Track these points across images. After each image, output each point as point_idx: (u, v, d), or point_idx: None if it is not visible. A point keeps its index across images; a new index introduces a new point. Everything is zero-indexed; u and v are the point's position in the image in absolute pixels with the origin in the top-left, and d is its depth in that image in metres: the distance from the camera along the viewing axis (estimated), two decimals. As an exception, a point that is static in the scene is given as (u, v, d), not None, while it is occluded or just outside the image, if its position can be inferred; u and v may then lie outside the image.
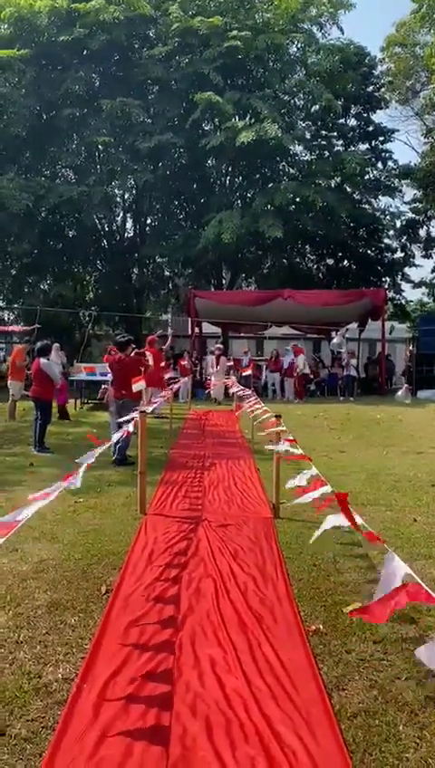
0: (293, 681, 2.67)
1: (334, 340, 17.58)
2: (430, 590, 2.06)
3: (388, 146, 25.00)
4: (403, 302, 26.10)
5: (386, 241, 25.22)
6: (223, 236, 18.06)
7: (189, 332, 20.83)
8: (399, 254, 25.32)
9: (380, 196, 24.77)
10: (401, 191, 25.25)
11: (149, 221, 24.31)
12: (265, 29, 20.24)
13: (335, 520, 2.97)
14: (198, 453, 8.43)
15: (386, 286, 23.96)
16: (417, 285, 26.61)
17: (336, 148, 23.35)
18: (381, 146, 24.85)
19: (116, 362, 7.98)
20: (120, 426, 5.94)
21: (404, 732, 2.37)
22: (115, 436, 5.60)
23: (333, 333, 17.64)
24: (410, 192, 25.54)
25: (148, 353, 10.01)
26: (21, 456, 8.13)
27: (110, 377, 9.60)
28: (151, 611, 3.32)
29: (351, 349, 19.01)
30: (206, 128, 21.55)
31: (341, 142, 24.29)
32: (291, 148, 20.83)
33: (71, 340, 21.01)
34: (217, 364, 16.39)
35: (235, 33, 19.19)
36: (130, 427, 5.52)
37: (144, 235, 23.75)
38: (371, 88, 24.59)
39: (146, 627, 3.15)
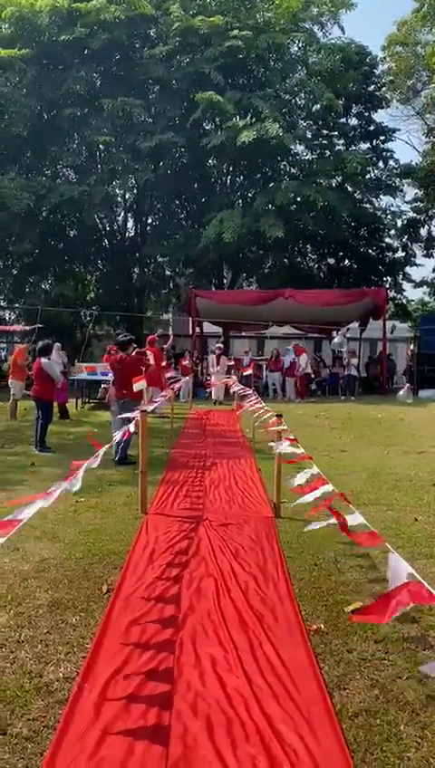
0: (294, 680, 2.66)
1: (335, 340, 17.58)
2: (431, 589, 2.06)
3: (389, 145, 25.06)
4: (404, 301, 26.09)
5: (387, 240, 25.22)
6: (224, 236, 18.05)
7: (190, 332, 20.81)
8: (400, 254, 25.30)
9: (381, 196, 24.76)
10: (402, 190, 25.28)
11: (150, 220, 24.32)
12: (266, 28, 20.21)
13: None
14: (199, 452, 8.42)
15: (387, 286, 23.97)
16: (418, 285, 26.61)
17: (337, 148, 23.32)
18: (382, 145, 24.85)
19: (117, 362, 7.97)
20: (123, 421, 5.92)
21: (405, 731, 2.37)
22: (117, 435, 5.59)
23: (334, 333, 17.64)
24: (411, 191, 25.59)
25: (149, 353, 10.00)
26: (22, 455, 8.14)
27: (111, 376, 9.62)
28: (152, 610, 3.32)
29: (352, 348, 19.02)
30: (207, 127, 21.56)
31: (342, 142, 24.26)
32: (292, 147, 20.78)
33: (72, 340, 20.99)
34: (218, 364, 16.38)
35: (236, 32, 19.17)
36: (132, 427, 5.52)
37: (145, 235, 23.75)
38: (372, 87, 24.56)
39: (147, 626, 3.15)
